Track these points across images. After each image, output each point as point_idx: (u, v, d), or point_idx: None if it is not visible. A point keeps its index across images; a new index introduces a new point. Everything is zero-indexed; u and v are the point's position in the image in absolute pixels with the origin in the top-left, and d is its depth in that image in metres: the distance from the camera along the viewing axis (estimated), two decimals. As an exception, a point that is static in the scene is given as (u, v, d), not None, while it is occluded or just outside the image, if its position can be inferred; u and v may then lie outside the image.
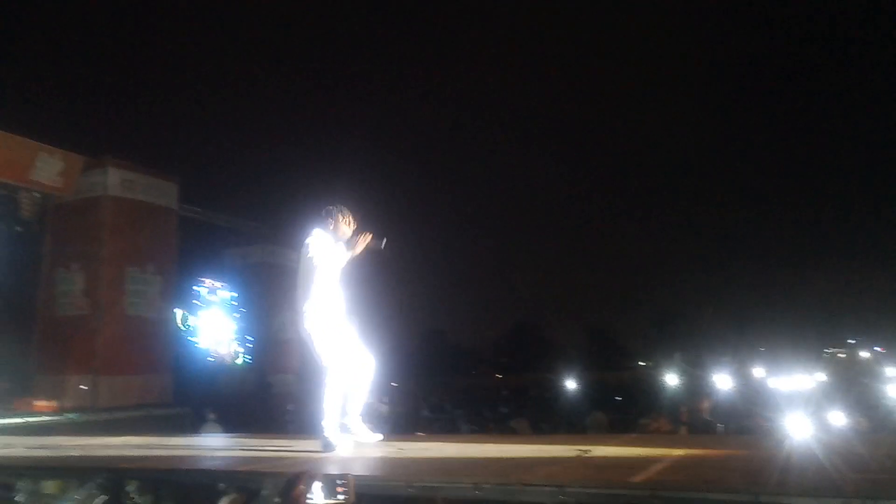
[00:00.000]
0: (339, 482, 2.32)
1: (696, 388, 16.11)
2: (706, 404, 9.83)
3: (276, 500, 2.25)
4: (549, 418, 14.53)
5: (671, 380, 18.79)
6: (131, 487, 4.43)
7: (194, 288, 17.96)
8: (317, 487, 2.25)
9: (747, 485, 2.89)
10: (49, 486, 5.86)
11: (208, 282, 18.33)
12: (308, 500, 2.22)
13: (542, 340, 39.88)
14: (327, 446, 4.59)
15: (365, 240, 4.90)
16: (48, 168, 14.58)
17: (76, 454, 5.25)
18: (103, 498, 5.71)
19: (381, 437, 5.01)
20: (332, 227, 4.89)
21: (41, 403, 14.50)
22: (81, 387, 14.82)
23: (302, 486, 2.23)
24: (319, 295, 4.77)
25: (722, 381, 16.00)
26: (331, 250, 4.82)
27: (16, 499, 5.04)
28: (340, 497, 2.31)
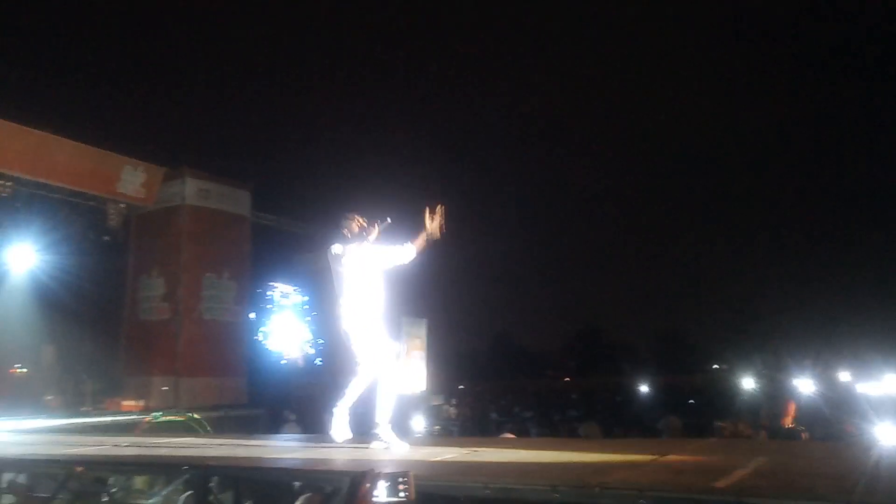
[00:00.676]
0: (400, 481, 2.37)
1: (776, 392, 15.48)
2: (789, 409, 9.43)
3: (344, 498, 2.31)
4: (621, 422, 14.27)
5: (748, 383, 18.12)
6: (213, 484, 4.60)
7: (267, 293, 18.48)
8: (380, 486, 2.31)
9: (836, 493, 2.78)
10: (139, 482, 6.17)
11: (280, 286, 18.84)
12: (373, 499, 2.27)
13: (611, 343, 39.21)
14: (333, 438, 4.90)
15: (434, 219, 5.06)
16: (132, 180, 15.34)
17: (163, 452, 5.49)
18: (188, 494, 5.96)
19: (408, 446, 4.91)
20: (349, 234, 5.13)
21: (128, 403, 15.27)
22: (164, 388, 15.52)
23: (367, 485, 2.28)
24: (352, 298, 5.01)
25: (804, 385, 15.33)
26: (353, 255, 5.05)
27: (110, 492, 5.32)
28: (402, 495, 2.36)
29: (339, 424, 4.95)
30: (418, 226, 5.16)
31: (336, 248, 5.11)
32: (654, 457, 3.94)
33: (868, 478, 3.18)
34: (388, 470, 2.77)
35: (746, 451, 4.15)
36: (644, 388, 20.62)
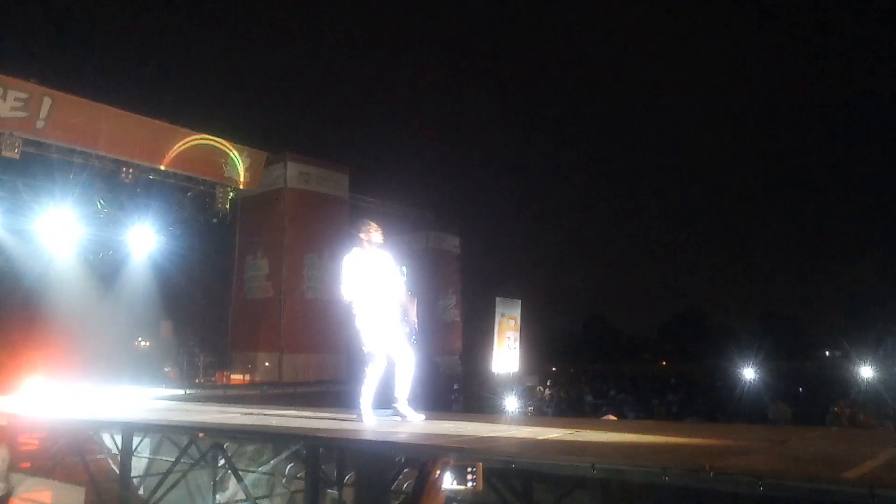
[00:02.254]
0: (469, 470, 2.36)
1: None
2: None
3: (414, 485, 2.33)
4: (722, 409, 13.73)
5: (867, 372, 16.95)
6: (320, 454, 4.80)
7: (365, 272, 18.95)
8: (448, 473, 2.31)
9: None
10: (250, 451, 6.53)
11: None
12: (442, 486, 2.28)
13: (714, 326, 37.53)
14: (361, 419, 5.33)
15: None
16: (238, 165, 16.09)
17: (274, 423, 5.76)
18: (294, 463, 6.26)
19: (423, 416, 5.46)
20: (366, 240, 5.62)
21: (236, 377, 16.16)
22: (266, 364, 16.29)
23: (437, 472, 2.29)
24: (362, 301, 5.48)
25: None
26: (367, 260, 5.57)
27: (226, 458, 5.65)
28: (470, 484, 2.36)
29: (368, 413, 5.39)
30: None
31: (353, 255, 5.60)
32: (770, 443, 3.77)
33: None
34: (458, 458, 2.77)
35: (873, 442, 3.88)
36: (749, 374, 19.71)
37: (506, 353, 24.48)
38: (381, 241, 5.70)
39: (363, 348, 5.51)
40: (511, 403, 15.20)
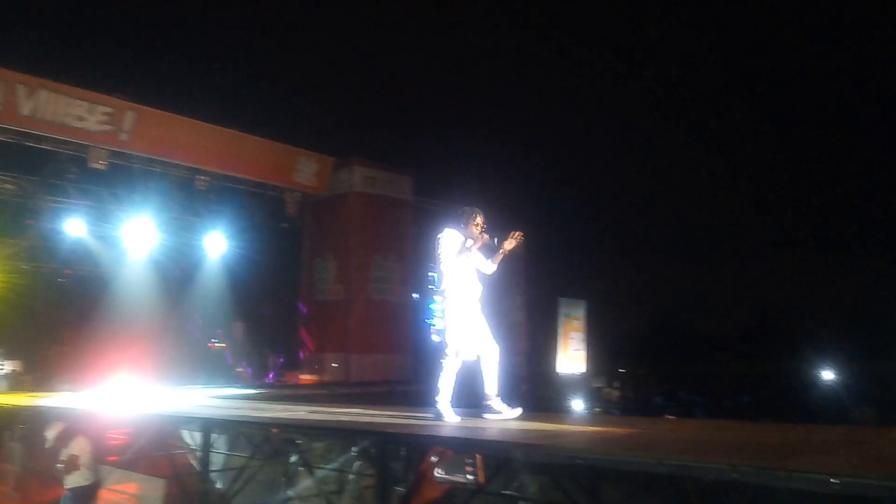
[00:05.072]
0: (467, 461, 2.28)
1: None
2: None
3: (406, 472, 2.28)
4: (801, 412, 13.21)
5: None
6: (387, 452, 4.89)
7: (430, 274, 19.11)
8: (444, 464, 2.24)
9: None
10: (321, 447, 6.71)
11: (442, 268, 19.37)
12: (436, 475, 2.23)
13: (794, 327, 35.98)
14: (439, 417, 5.08)
15: (512, 241, 5.34)
16: (306, 170, 16.55)
17: (343, 419, 5.91)
18: (364, 460, 6.39)
19: (520, 411, 5.22)
20: (463, 226, 5.34)
21: (305, 376, 16.59)
22: (334, 364, 16.65)
23: (430, 461, 2.24)
24: (453, 284, 5.27)
25: None
26: (460, 247, 5.29)
27: (299, 453, 5.85)
28: (468, 476, 2.27)
29: (448, 411, 5.17)
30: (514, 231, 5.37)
31: (450, 235, 5.34)
32: (848, 443, 3.64)
33: None
34: (459, 448, 2.67)
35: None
36: (830, 376, 18.85)
37: (571, 354, 24.23)
38: (481, 232, 5.34)
39: (445, 337, 5.29)
40: (577, 404, 15.07)
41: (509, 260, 5.49)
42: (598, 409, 15.92)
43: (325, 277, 17.45)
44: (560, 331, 23.96)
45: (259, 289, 17.83)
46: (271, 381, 15.96)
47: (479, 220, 5.37)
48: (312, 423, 5.73)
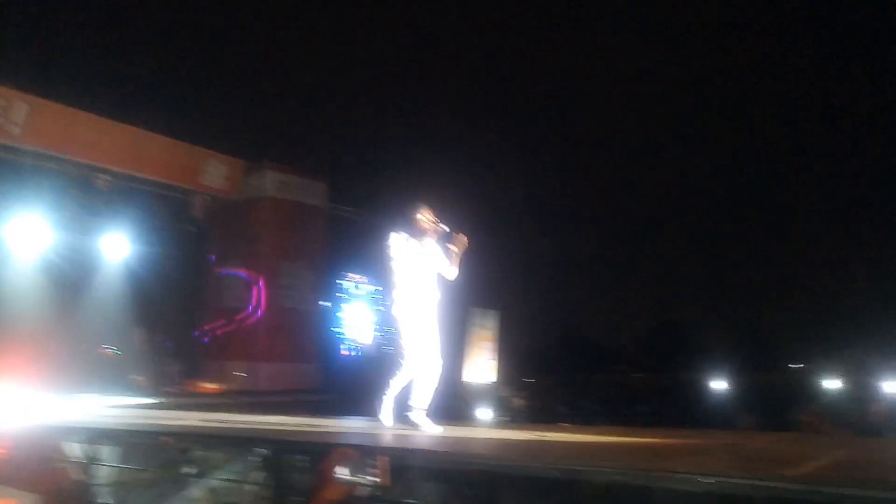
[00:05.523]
0: (371, 462, 2.31)
1: (861, 393, 14.79)
2: (875, 409, 9.00)
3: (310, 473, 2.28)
4: (692, 419, 13.94)
5: (831, 384, 17.35)
6: (285, 460, 4.79)
7: (341, 282, 18.93)
8: (348, 465, 2.27)
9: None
10: (218, 457, 6.50)
11: (353, 276, 19.25)
12: (338, 476, 2.25)
13: (687, 339, 38.21)
14: (382, 423, 5.04)
15: (460, 244, 5.14)
16: (215, 172, 16.05)
17: (240, 427, 5.77)
18: (259, 468, 6.23)
19: (442, 429, 4.99)
20: (410, 225, 5.11)
21: (209, 385, 16.03)
22: (240, 373, 16.19)
23: (332, 462, 2.26)
24: (402, 288, 5.04)
25: (892, 386, 14.57)
26: (409, 248, 5.07)
27: (193, 464, 5.63)
28: (371, 478, 2.30)
29: (387, 411, 5.06)
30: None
31: (397, 238, 5.09)
32: (726, 445, 3.90)
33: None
34: (361, 450, 2.70)
35: (823, 445, 4.03)
36: (721, 386, 20.04)
37: (480, 364, 24.52)
38: (435, 229, 5.12)
39: (397, 347, 5.05)
40: (485, 413, 15.28)
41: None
42: (504, 418, 16.20)
43: (233, 284, 16.97)
44: (470, 340, 24.22)
45: (163, 294, 17.10)
46: (172, 389, 15.32)
47: (426, 213, 5.12)
48: (208, 432, 5.55)
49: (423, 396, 5.06)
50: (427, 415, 5.08)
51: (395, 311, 5.05)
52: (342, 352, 18.93)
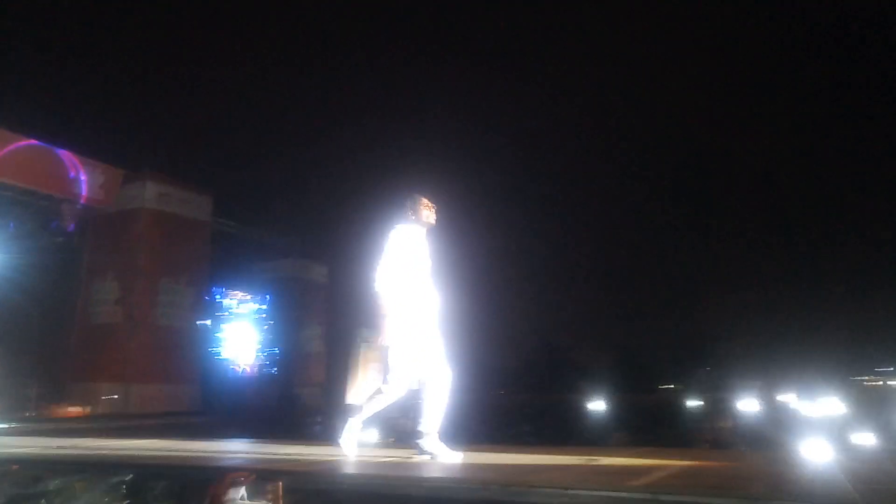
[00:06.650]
0: (267, 487, 2.33)
1: (718, 410, 15.98)
2: (726, 425, 9.79)
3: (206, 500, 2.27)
4: (574, 437, 14.49)
5: (694, 402, 18.60)
6: (150, 485, 4.56)
7: (223, 300, 18.34)
8: (241, 490, 2.28)
9: (741, 491, 2.97)
10: (78, 485, 6.09)
11: (237, 294, 18.70)
12: (228, 501, 2.26)
13: (569, 361, 39.86)
14: (343, 447, 4.55)
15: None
16: (90, 181, 15.15)
17: (103, 454, 5.45)
18: (122, 498, 5.89)
19: (461, 455, 4.35)
20: (413, 217, 4.62)
21: (73, 409, 14.95)
22: (113, 396, 15.25)
23: (222, 487, 2.27)
24: (402, 288, 4.45)
25: (748, 404, 15.84)
26: (417, 241, 4.58)
27: (48, 493, 5.24)
28: (265, 502, 2.31)
29: (351, 437, 4.54)
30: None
31: (404, 231, 4.52)
32: (586, 460, 4.12)
33: (773, 479, 3.42)
34: (256, 475, 2.65)
35: (670, 457, 4.35)
36: (599, 406, 20.99)
37: (367, 385, 24.34)
38: (433, 224, 4.62)
39: (387, 361, 4.47)
40: (372, 434, 15.12)
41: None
42: (392, 440, 16.10)
43: (105, 299, 16.02)
44: (357, 361, 24.00)
45: (25, 308, 15.85)
46: (29, 413, 14.18)
47: (426, 201, 4.64)
48: (63, 458, 5.19)
49: (434, 418, 4.43)
50: (440, 438, 4.43)
51: (394, 322, 4.42)
52: (222, 372, 18.27)
